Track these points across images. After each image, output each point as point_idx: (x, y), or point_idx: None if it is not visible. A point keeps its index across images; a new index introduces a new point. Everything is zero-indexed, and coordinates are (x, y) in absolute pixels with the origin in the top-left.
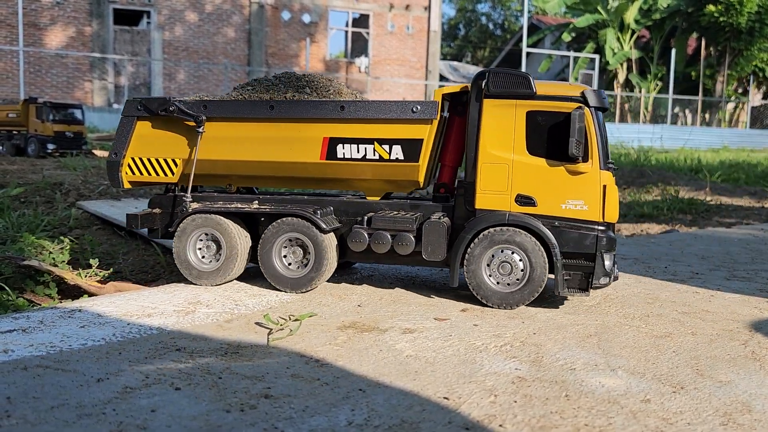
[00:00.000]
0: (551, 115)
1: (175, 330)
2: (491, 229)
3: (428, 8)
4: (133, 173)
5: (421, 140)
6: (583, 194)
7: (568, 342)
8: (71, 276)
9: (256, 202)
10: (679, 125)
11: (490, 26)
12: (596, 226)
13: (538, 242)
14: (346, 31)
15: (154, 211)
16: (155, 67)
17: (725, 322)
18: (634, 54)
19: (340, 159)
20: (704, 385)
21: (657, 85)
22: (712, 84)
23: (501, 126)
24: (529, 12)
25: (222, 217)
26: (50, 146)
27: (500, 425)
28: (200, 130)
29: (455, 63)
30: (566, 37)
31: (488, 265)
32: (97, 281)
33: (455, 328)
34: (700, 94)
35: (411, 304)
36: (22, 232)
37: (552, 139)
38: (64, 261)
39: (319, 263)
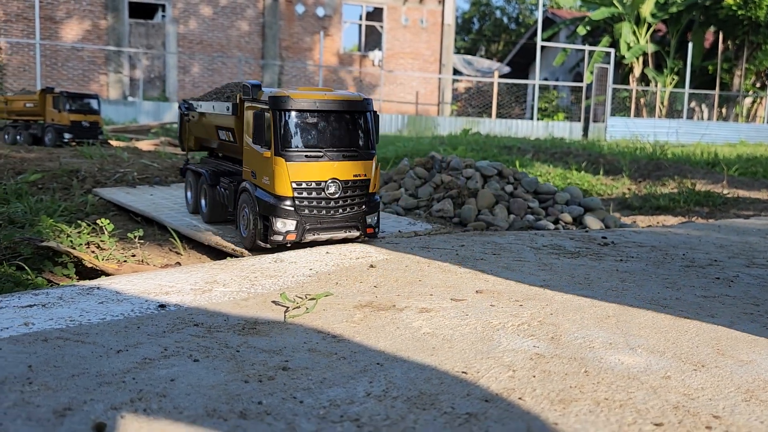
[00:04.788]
0: None
1: (192, 307)
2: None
3: (442, 2)
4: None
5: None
6: None
7: (586, 322)
8: (89, 257)
9: (205, 165)
10: (695, 120)
11: (505, 20)
12: None
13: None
14: (360, 25)
15: None
16: (170, 60)
17: (745, 306)
18: (650, 48)
19: (224, 141)
20: (725, 363)
21: (673, 79)
22: (730, 78)
23: None
24: (543, 5)
25: (190, 173)
26: (67, 135)
27: (519, 398)
28: (186, 119)
29: (469, 57)
30: (581, 31)
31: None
32: (115, 264)
33: (472, 308)
34: (717, 88)
35: (427, 285)
36: (40, 216)
37: None
38: (81, 244)
39: (208, 205)
